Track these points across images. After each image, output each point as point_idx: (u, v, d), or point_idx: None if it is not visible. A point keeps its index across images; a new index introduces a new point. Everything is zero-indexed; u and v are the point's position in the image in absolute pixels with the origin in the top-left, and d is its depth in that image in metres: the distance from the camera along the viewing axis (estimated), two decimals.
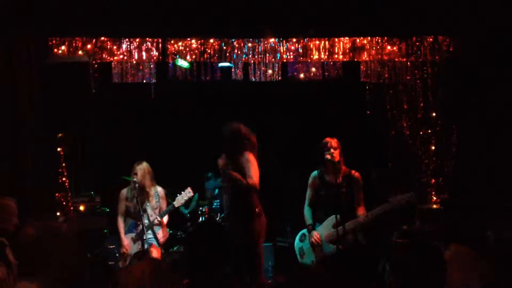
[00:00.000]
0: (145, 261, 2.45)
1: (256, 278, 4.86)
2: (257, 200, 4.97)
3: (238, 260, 4.87)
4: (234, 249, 4.77)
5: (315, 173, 5.17)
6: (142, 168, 5.67)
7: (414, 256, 2.33)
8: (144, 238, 5.43)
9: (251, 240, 4.94)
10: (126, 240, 5.71)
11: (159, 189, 5.80)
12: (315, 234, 5.01)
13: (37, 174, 5.74)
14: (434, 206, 6.31)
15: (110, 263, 5.79)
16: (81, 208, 6.51)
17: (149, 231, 5.61)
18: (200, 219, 6.68)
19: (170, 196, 5.93)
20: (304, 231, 5.22)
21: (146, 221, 5.55)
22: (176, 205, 5.69)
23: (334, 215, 4.84)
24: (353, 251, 4.74)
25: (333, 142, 4.98)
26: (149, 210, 5.63)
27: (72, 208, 6.30)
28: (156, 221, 5.60)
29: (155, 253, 5.57)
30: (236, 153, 4.92)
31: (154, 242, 5.64)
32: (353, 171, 4.98)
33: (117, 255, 5.77)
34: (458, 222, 5.79)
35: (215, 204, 6.70)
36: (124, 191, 5.82)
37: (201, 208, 6.72)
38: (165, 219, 5.78)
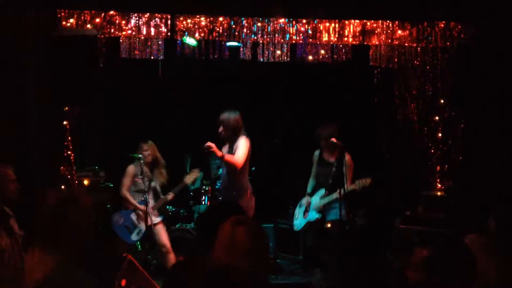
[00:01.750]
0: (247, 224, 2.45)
1: None
2: (248, 183, 5.41)
3: None
4: None
5: (317, 151, 6.03)
6: (153, 146, 5.97)
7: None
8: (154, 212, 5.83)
9: None
10: (143, 207, 5.86)
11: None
12: (306, 199, 6.01)
13: (42, 147, 5.74)
14: (439, 193, 6.29)
15: (121, 236, 5.90)
16: (85, 182, 6.54)
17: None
18: (203, 197, 6.71)
19: (178, 176, 6.12)
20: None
21: (152, 199, 5.85)
22: (186, 182, 5.97)
23: (323, 188, 5.87)
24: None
25: (323, 131, 5.72)
26: (158, 188, 5.96)
27: (76, 182, 6.32)
28: (169, 197, 5.88)
29: (162, 227, 5.87)
30: (234, 139, 5.32)
31: (161, 218, 5.96)
32: (346, 153, 5.56)
33: (129, 228, 5.87)
34: (461, 210, 5.79)
35: (219, 183, 6.71)
36: (132, 167, 5.98)
37: (204, 187, 6.75)
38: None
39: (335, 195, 5.56)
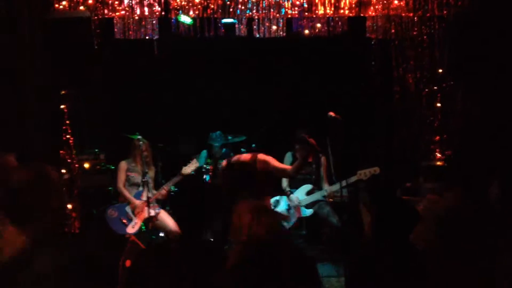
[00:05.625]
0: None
1: None
2: None
3: None
4: None
5: (289, 153, 6.34)
6: (147, 145, 6.15)
7: None
8: (152, 204, 5.91)
9: None
10: (137, 201, 5.92)
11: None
12: (296, 198, 6.24)
13: (40, 132, 5.73)
14: (438, 163, 6.30)
15: (115, 230, 5.98)
16: (86, 165, 6.56)
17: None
18: (204, 176, 6.70)
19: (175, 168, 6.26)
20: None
21: (148, 192, 5.94)
22: (183, 173, 6.07)
23: (307, 185, 6.25)
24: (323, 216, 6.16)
25: (298, 134, 5.62)
26: (150, 181, 6.06)
27: (77, 165, 6.33)
28: (163, 192, 6.06)
29: (165, 215, 6.06)
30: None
31: (161, 208, 6.11)
32: (321, 155, 6.16)
33: (124, 221, 5.93)
34: (461, 179, 5.79)
35: (220, 162, 6.69)
36: (124, 163, 6.21)
37: (205, 166, 6.73)
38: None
39: (327, 189, 6.14)
